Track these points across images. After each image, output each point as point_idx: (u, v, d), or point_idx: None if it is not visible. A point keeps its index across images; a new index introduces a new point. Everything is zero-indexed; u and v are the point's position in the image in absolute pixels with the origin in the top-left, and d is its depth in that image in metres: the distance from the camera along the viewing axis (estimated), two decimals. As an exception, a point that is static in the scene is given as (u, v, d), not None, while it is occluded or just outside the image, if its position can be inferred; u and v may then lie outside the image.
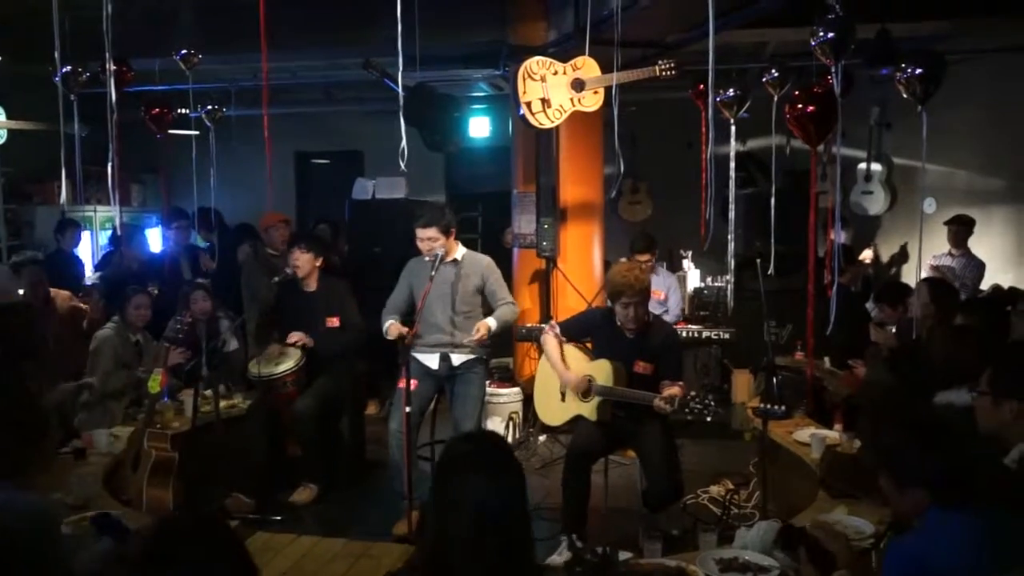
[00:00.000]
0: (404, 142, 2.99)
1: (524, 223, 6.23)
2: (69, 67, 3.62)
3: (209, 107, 5.56)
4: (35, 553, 2.18)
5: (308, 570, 2.54)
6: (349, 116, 9.05)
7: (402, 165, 2.91)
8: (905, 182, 7.60)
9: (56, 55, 2.77)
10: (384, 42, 6.45)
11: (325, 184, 9.88)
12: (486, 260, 4.41)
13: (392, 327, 4.19)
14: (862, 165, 7.72)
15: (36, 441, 2.50)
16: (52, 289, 5.16)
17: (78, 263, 6.75)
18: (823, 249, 5.40)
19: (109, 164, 2.71)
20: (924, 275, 5.15)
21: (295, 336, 4.57)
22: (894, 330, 4.58)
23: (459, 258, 4.33)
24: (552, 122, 4.68)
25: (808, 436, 4.03)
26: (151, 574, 1.52)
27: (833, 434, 4.07)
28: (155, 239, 7.84)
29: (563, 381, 4.09)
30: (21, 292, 5.37)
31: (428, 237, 4.19)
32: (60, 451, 3.68)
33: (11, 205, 7.70)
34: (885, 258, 7.96)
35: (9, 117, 5.98)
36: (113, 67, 2.91)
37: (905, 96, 3.52)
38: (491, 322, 4.23)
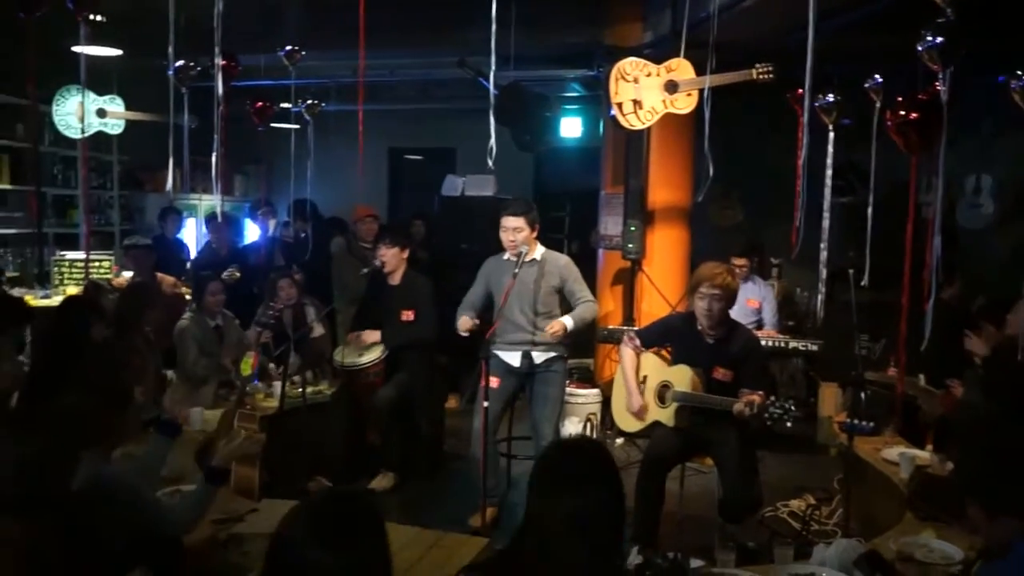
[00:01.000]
0: (492, 140, 3.03)
1: (611, 224, 6.21)
2: (181, 61, 3.79)
3: (309, 102, 5.73)
4: (127, 516, 2.34)
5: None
6: (443, 114, 9.21)
7: (490, 163, 2.95)
8: (1016, 197, 7.21)
9: (170, 50, 2.92)
10: (480, 42, 6.56)
11: (418, 180, 10.08)
12: (564, 259, 4.43)
13: (463, 320, 4.26)
14: (971, 177, 7.37)
15: (121, 409, 2.66)
16: (158, 274, 5.43)
17: (183, 249, 7.09)
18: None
19: (213, 155, 2.84)
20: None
21: (368, 335, 4.70)
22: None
23: (538, 258, 4.35)
24: (643, 124, 4.65)
25: (897, 455, 3.88)
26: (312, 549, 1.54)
27: (924, 454, 3.91)
28: (253, 229, 8.16)
29: (629, 404, 4.08)
30: (130, 274, 5.70)
31: (514, 227, 4.21)
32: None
33: (125, 192, 8.17)
34: (990, 276, 7.57)
35: (127, 108, 6.32)
36: (221, 62, 3.02)
37: (1021, 105, 3.34)
38: (567, 320, 4.24)
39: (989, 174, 7.33)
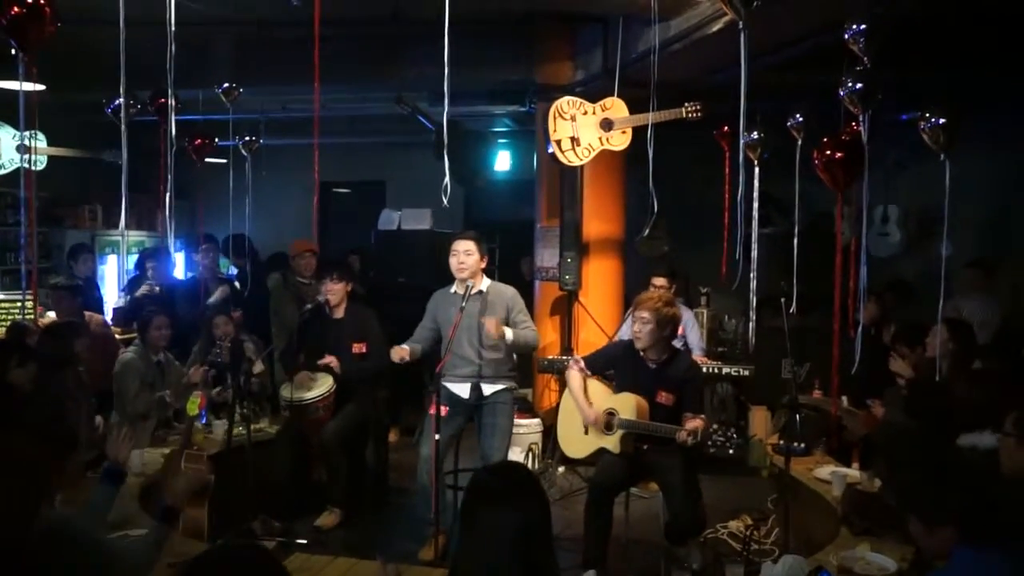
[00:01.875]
0: (448, 178, 3.10)
1: (547, 256, 6.34)
2: (119, 100, 3.75)
3: (247, 137, 5.70)
4: (85, 562, 2.29)
5: (347, 591, 2.61)
6: (372, 147, 9.24)
7: (445, 201, 3.02)
8: (920, 224, 7.68)
9: (122, 91, 2.91)
10: (412, 78, 6.68)
11: (347, 213, 10.05)
12: (511, 291, 4.48)
13: (396, 349, 4.29)
14: (878, 207, 7.82)
15: (67, 454, 2.60)
16: (86, 312, 5.27)
17: (97, 288, 6.88)
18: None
19: (167, 194, 2.83)
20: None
21: (329, 358, 4.67)
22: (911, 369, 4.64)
23: (484, 289, 4.40)
24: (581, 160, 4.82)
25: (828, 474, 4.09)
26: None
27: (853, 472, 4.13)
28: (180, 264, 7.98)
29: (584, 418, 4.17)
30: (53, 315, 5.51)
31: (465, 250, 4.27)
32: (95, 471, 3.76)
33: (43, 228, 7.88)
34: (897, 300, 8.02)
35: (49, 144, 6.15)
36: (159, 100, 3.02)
37: (929, 144, 3.62)
38: (508, 331, 4.27)
39: (895, 204, 7.80)
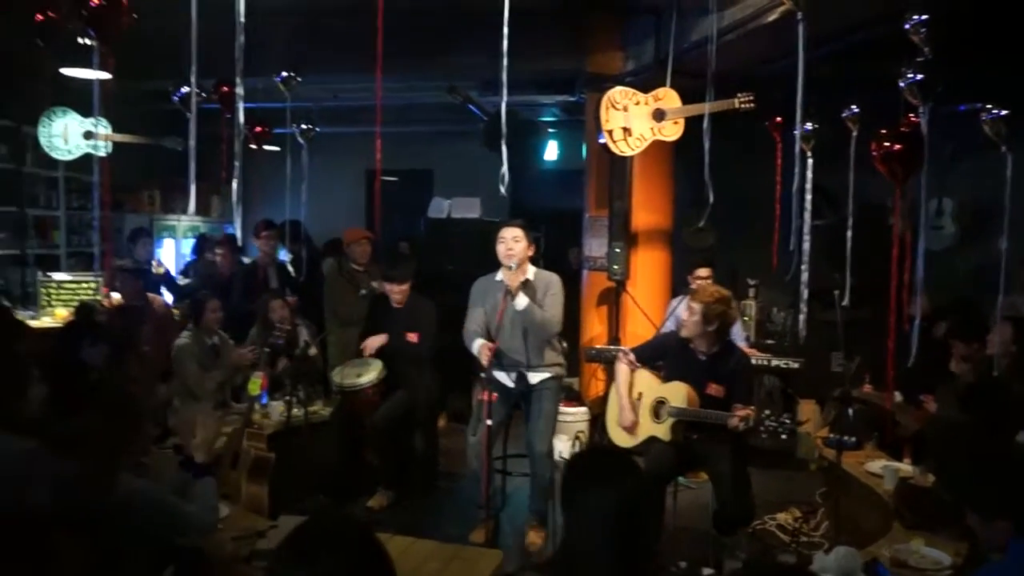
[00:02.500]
0: (505, 167, 3.15)
1: (595, 246, 6.37)
2: (186, 88, 3.86)
3: (304, 125, 5.81)
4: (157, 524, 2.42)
5: (406, 568, 2.68)
6: (419, 136, 9.32)
7: (502, 190, 3.07)
8: (975, 218, 7.53)
9: (192, 79, 3.01)
10: (463, 67, 6.73)
11: (394, 202, 10.16)
12: (554, 277, 4.43)
13: (483, 348, 4.19)
14: (932, 200, 7.68)
15: (137, 428, 2.72)
16: (149, 294, 5.44)
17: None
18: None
19: (234, 181, 2.93)
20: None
21: (369, 343, 4.76)
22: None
23: (530, 277, 4.37)
24: (633, 150, 4.82)
25: (880, 467, 4.07)
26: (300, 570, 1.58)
27: (906, 467, 4.10)
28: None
29: (621, 419, 4.20)
30: (118, 296, 5.70)
31: (513, 237, 4.27)
32: (162, 446, 3.90)
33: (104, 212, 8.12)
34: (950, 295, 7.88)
35: (112, 131, 6.33)
36: (241, 91, 3.11)
37: (991, 135, 3.57)
38: (523, 298, 4.21)
39: (950, 197, 7.65)
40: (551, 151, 8.25)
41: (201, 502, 2.74)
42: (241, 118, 2.93)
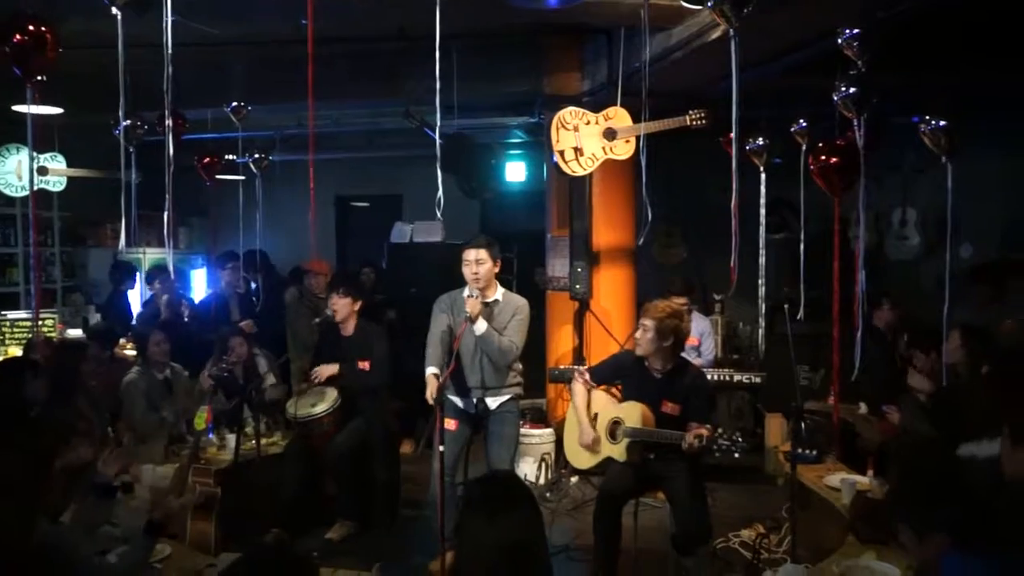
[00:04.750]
0: (440, 191, 3.14)
1: (558, 266, 6.36)
2: (128, 121, 3.84)
3: (256, 155, 5.79)
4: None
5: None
6: (389, 161, 9.32)
7: (438, 214, 3.05)
8: (939, 227, 7.58)
9: (121, 113, 2.98)
10: (423, 91, 6.73)
11: (365, 227, 10.15)
12: (522, 301, 4.33)
13: (430, 380, 4.07)
14: (896, 210, 7.74)
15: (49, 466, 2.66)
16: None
17: (129, 306, 7.03)
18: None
19: (165, 212, 2.90)
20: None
21: (317, 372, 4.72)
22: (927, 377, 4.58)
23: (498, 298, 4.28)
24: (584, 170, 4.82)
25: (839, 481, 4.04)
26: None
27: (864, 479, 4.07)
28: (200, 280, 8.11)
29: (581, 437, 4.16)
30: (76, 332, 5.62)
31: (476, 259, 4.11)
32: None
33: (67, 247, 8.07)
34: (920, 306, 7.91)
35: (68, 165, 6.30)
36: (170, 122, 3.09)
37: (931, 147, 3.59)
38: (483, 324, 4.09)
39: (914, 208, 7.70)
40: (514, 172, 8.26)
41: (130, 558, 2.67)
42: (171, 150, 2.91)
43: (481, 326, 4.11)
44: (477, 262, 4.14)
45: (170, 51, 2.88)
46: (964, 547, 2.09)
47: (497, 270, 4.24)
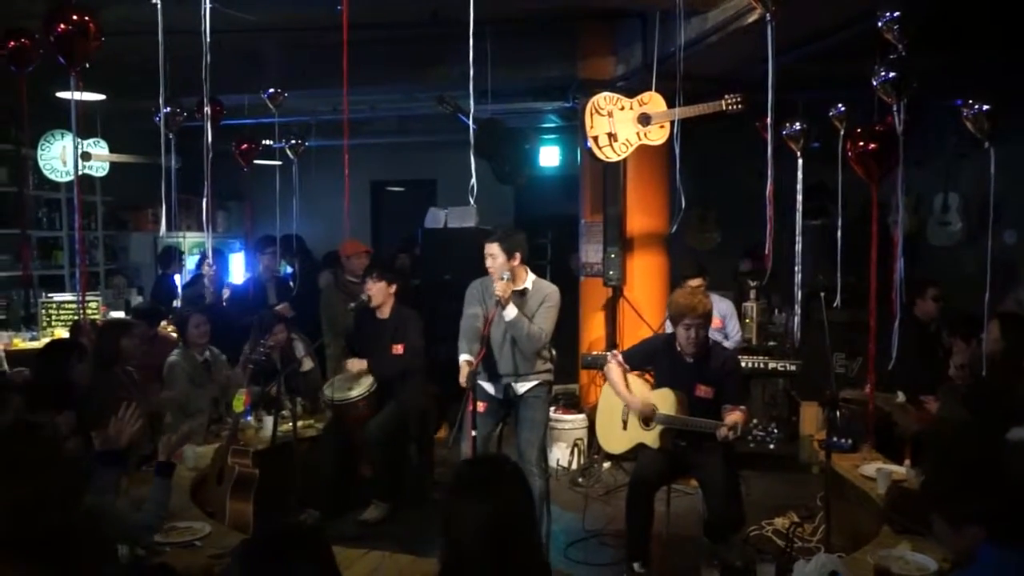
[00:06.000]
0: (473, 178, 3.15)
1: (591, 252, 6.34)
2: (167, 108, 3.91)
3: (293, 141, 5.85)
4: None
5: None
6: (423, 147, 9.36)
7: (471, 200, 3.07)
8: (982, 213, 7.41)
9: (161, 100, 3.04)
10: (458, 77, 6.72)
11: (400, 212, 10.21)
12: (551, 288, 4.34)
13: (464, 365, 4.15)
14: (938, 196, 7.58)
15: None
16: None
17: (175, 288, 7.16)
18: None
19: (204, 198, 2.95)
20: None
21: (358, 362, 4.78)
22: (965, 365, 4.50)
23: (528, 287, 4.30)
24: (618, 156, 4.80)
25: (874, 471, 3.99)
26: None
27: (900, 469, 4.03)
28: (238, 264, 8.24)
29: (628, 405, 4.17)
30: (120, 314, 5.74)
31: (490, 253, 4.21)
32: (149, 465, 3.92)
33: (109, 231, 8.24)
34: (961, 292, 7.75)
35: (110, 150, 6.42)
36: (209, 110, 3.14)
37: (973, 131, 3.51)
38: (512, 310, 4.13)
39: (956, 192, 7.54)
40: (548, 157, 8.25)
41: (152, 502, 2.75)
42: (209, 137, 2.96)
43: (511, 311, 4.14)
44: (491, 256, 4.22)
45: (208, 39, 2.91)
46: (1000, 539, 2.06)
47: (516, 263, 4.24)
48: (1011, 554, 2.03)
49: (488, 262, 4.22)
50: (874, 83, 3.28)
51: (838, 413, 3.67)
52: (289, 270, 7.21)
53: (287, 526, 2.04)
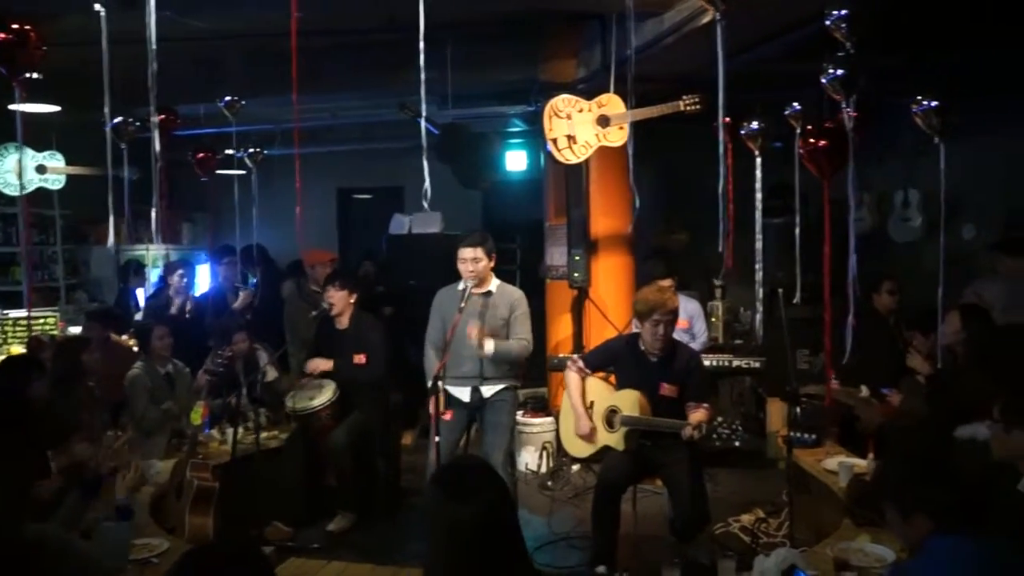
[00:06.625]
0: (427, 183, 3.15)
1: (556, 255, 6.35)
2: (119, 118, 3.86)
3: (252, 149, 5.79)
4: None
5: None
6: (388, 153, 9.30)
7: (425, 205, 3.07)
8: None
9: (106, 109, 2.99)
10: (417, 84, 6.71)
11: (367, 219, 10.16)
12: (518, 293, 4.43)
13: (432, 366, 4.22)
14: (899, 192, 7.67)
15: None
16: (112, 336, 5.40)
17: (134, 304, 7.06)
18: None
19: (153, 208, 2.91)
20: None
21: (312, 365, 4.74)
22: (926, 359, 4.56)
23: (492, 290, 4.36)
24: (578, 158, 4.80)
25: (836, 464, 4.04)
26: None
27: (861, 462, 4.07)
28: (204, 275, 8.12)
29: (578, 427, 4.17)
30: (77, 330, 5.64)
31: (472, 257, 4.23)
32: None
33: (68, 246, 8.10)
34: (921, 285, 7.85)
35: (67, 163, 6.31)
36: (159, 117, 3.10)
37: (923, 127, 3.56)
38: (490, 344, 4.19)
39: (916, 188, 7.64)
40: (517, 161, 8.24)
41: (111, 546, 2.69)
42: (157, 146, 2.91)
43: (490, 346, 4.20)
44: (474, 260, 4.26)
45: (154, 46, 2.87)
46: (948, 529, 2.09)
47: (492, 264, 4.32)
48: (957, 543, 2.05)
49: (469, 266, 4.25)
50: (823, 80, 3.31)
51: (799, 408, 3.69)
52: (254, 281, 7.14)
53: (223, 541, 2.02)
